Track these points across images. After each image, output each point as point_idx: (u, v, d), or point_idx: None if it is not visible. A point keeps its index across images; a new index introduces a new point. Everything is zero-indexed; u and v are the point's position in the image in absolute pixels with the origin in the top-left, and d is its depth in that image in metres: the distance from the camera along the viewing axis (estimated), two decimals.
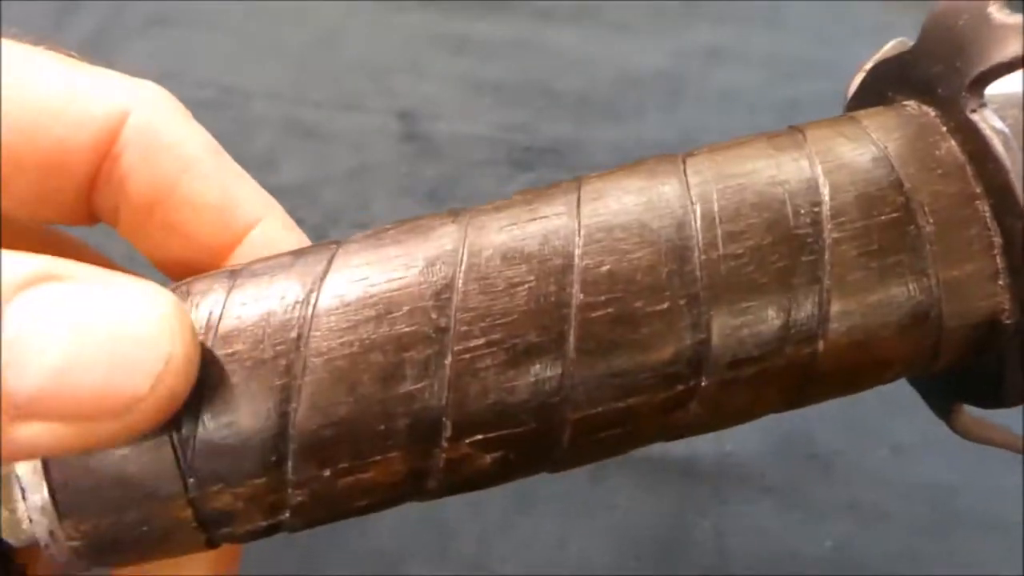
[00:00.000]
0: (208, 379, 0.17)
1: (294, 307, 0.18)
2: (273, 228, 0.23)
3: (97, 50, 0.53)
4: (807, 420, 0.41)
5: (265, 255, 0.20)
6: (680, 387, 0.18)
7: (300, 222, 0.51)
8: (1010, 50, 0.18)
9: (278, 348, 0.18)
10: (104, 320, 0.16)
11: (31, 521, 0.18)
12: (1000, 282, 0.19)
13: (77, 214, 0.22)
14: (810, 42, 0.54)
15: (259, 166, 0.49)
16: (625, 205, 0.19)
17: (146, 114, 0.22)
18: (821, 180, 0.19)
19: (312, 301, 0.18)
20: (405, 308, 0.18)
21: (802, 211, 0.18)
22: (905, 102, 0.21)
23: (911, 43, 0.22)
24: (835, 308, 0.18)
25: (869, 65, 0.23)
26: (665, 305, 0.18)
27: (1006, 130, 0.19)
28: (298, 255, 0.19)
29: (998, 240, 0.19)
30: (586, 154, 0.50)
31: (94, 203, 0.22)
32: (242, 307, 0.18)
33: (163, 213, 0.22)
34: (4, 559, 0.18)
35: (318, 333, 0.18)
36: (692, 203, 0.19)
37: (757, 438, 0.40)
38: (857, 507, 0.38)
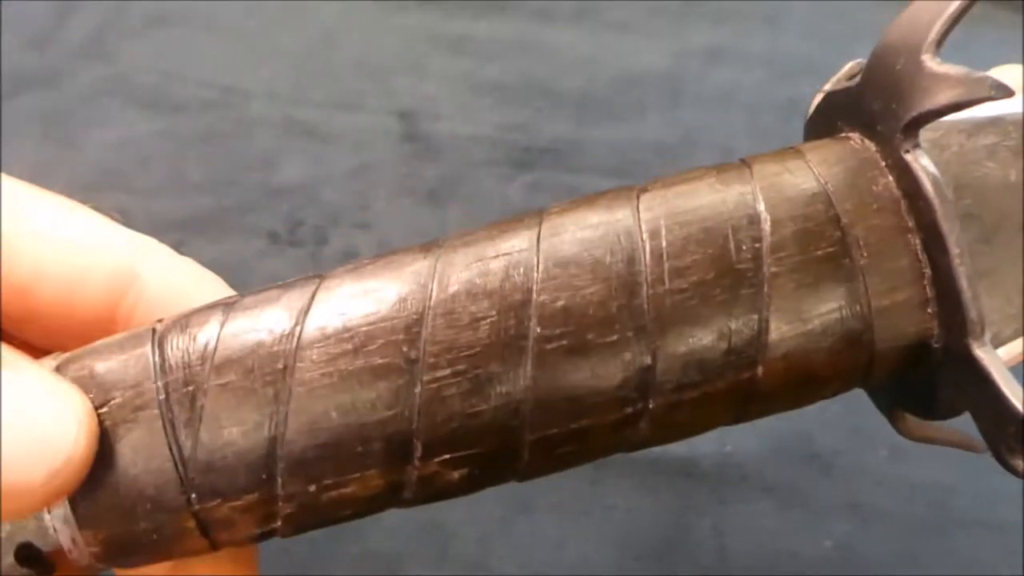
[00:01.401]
0: (205, 406, 0.20)
1: (280, 340, 0.20)
2: None
3: (97, 50, 0.53)
4: (807, 420, 0.41)
5: None
6: (629, 409, 0.20)
7: (300, 222, 0.51)
8: (939, 99, 0.19)
9: (267, 378, 0.20)
10: (15, 407, 0.18)
11: (55, 530, 0.20)
12: (929, 310, 0.20)
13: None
14: (810, 42, 0.54)
15: (259, 166, 0.50)
16: (581, 240, 0.20)
17: (158, 276, 0.23)
18: (763, 216, 0.20)
19: (296, 334, 0.20)
20: (379, 342, 0.20)
21: (744, 247, 0.20)
22: (850, 134, 0.22)
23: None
24: (773, 336, 0.20)
25: (827, 87, 0.24)
26: (615, 337, 0.20)
27: (935, 172, 0.20)
28: (285, 288, 0.21)
29: (928, 271, 0.20)
30: (586, 154, 0.50)
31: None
32: (234, 339, 0.20)
33: None
34: (37, 558, 0.21)
35: (302, 364, 0.20)
36: (643, 239, 0.20)
37: (757, 438, 0.40)
38: (857, 507, 0.39)
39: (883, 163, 0.21)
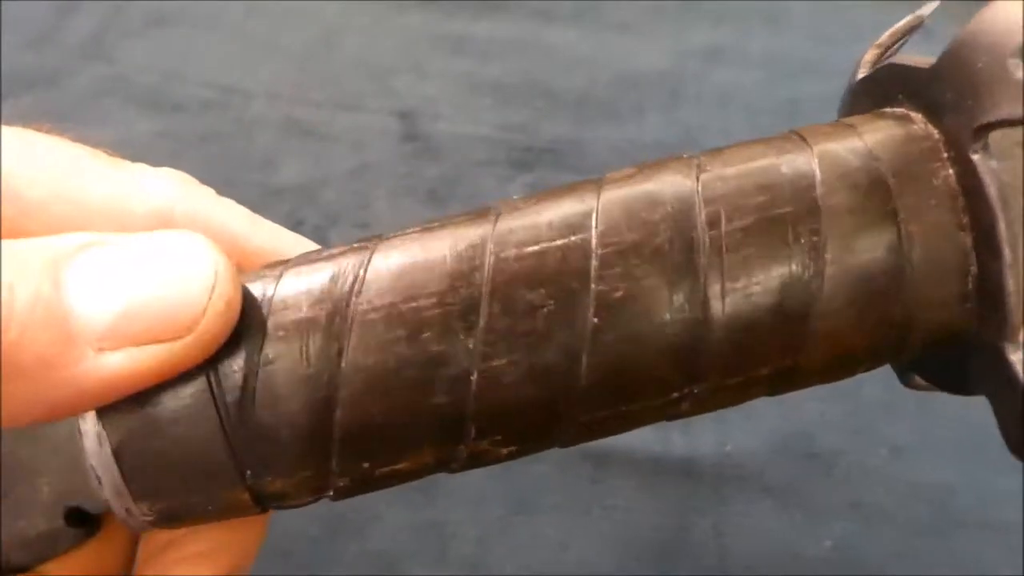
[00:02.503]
0: (258, 387, 0.20)
1: (332, 323, 0.20)
2: None
3: (97, 50, 0.53)
4: (807, 420, 0.41)
5: None
6: (675, 394, 0.20)
7: (300, 222, 0.51)
8: (1021, 110, 0.19)
9: (321, 361, 0.20)
10: (156, 253, 0.19)
11: (107, 501, 0.21)
12: (968, 305, 0.20)
13: None
14: (810, 42, 0.54)
15: (259, 166, 0.50)
16: (635, 223, 0.20)
17: (191, 206, 0.23)
18: (821, 206, 0.20)
19: (349, 316, 0.20)
20: (435, 329, 0.20)
21: (802, 239, 0.20)
22: (911, 113, 0.22)
23: (926, 18, 0.23)
24: (819, 323, 0.20)
25: (893, 45, 0.24)
26: (669, 324, 0.20)
27: (1003, 178, 0.20)
28: (332, 260, 0.21)
29: (974, 269, 0.20)
30: (586, 154, 0.50)
31: None
32: (284, 317, 0.20)
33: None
34: (86, 519, 0.21)
35: (356, 349, 0.20)
36: (703, 224, 0.20)
37: (757, 438, 0.40)
38: (857, 507, 0.38)
39: (945, 155, 0.21)
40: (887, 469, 0.39)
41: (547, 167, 0.49)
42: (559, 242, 0.20)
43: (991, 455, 0.41)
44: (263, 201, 0.47)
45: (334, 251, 0.21)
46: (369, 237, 0.22)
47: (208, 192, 0.24)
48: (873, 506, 0.39)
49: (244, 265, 0.23)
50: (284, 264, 0.21)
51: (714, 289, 0.20)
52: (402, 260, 0.21)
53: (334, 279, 0.20)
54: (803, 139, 0.21)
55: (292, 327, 0.20)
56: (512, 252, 0.20)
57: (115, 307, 0.18)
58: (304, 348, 0.20)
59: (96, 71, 0.52)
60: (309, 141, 0.50)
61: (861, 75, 0.24)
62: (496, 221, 0.21)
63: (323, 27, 0.55)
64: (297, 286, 0.20)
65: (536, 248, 0.20)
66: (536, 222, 0.21)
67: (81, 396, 0.19)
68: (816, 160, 0.21)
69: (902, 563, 0.37)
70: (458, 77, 0.53)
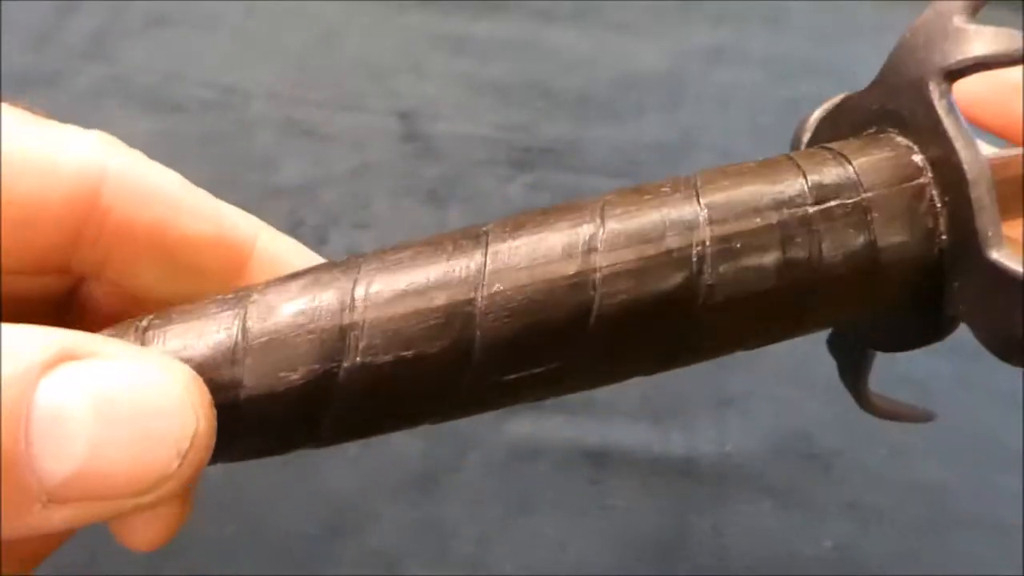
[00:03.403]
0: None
1: (329, 348, 0.19)
2: (272, 238, 0.23)
3: (97, 50, 0.53)
4: (807, 420, 0.41)
5: (272, 269, 0.22)
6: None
7: (300, 222, 0.51)
8: (973, 50, 0.20)
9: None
10: (128, 399, 0.17)
11: None
12: (938, 239, 0.20)
13: (50, 267, 0.23)
14: (810, 42, 0.54)
15: (259, 166, 0.50)
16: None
17: (122, 165, 0.22)
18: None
19: (348, 342, 0.19)
20: (432, 366, 0.19)
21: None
22: (886, 133, 0.22)
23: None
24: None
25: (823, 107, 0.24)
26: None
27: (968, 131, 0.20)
28: (318, 285, 0.20)
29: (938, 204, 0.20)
30: (586, 154, 0.50)
31: (77, 258, 0.22)
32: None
33: (164, 255, 0.22)
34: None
35: (353, 370, 0.19)
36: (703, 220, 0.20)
37: (757, 438, 0.40)
38: (857, 507, 0.39)
39: (921, 157, 0.21)
40: (887, 469, 0.39)
41: (547, 167, 0.49)
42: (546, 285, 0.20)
43: (991, 455, 0.41)
44: (263, 201, 0.47)
45: (312, 277, 0.20)
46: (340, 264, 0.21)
47: (138, 155, 0.23)
48: (872, 506, 0.39)
49: (178, 231, 0.22)
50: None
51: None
52: (389, 291, 0.20)
53: (329, 298, 0.20)
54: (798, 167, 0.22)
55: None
56: (507, 294, 0.20)
57: (72, 464, 0.16)
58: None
59: (96, 71, 0.52)
60: (309, 141, 0.50)
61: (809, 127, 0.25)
62: (487, 256, 0.20)
63: (323, 27, 0.55)
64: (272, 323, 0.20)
65: (529, 289, 0.20)
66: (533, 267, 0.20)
67: (22, 545, 0.18)
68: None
69: (902, 563, 0.37)
70: (458, 77, 0.53)
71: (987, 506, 0.38)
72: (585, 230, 0.20)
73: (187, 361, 0.19)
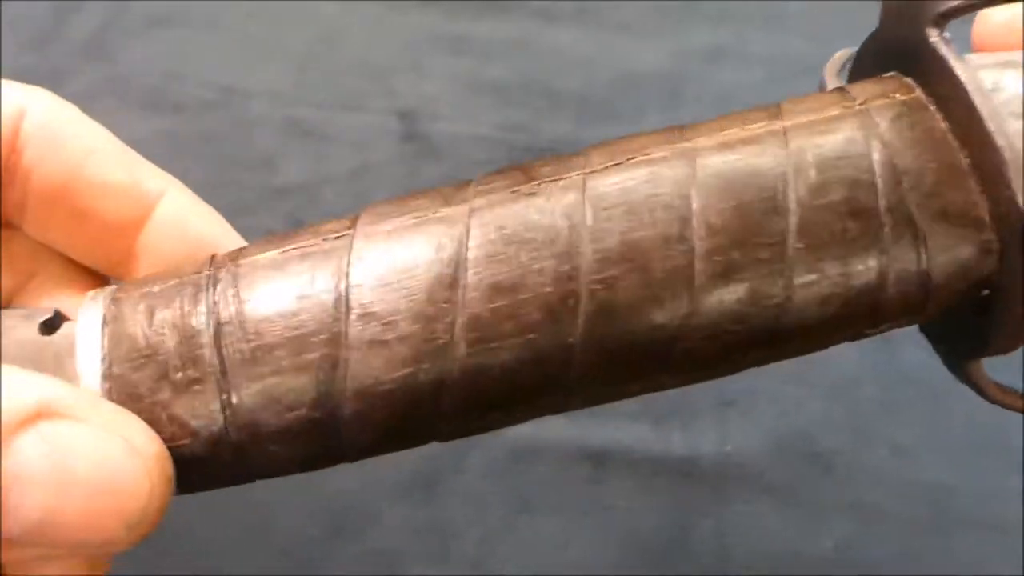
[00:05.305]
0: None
1: (323, 328, 0.21)
2: (179, 198, 0.24)
3: (97, 50, 0.53)
4: (808, 420, 0.41)
5: (173, 226, 0.23)
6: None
7: (300, 222, 0.51)
8: None
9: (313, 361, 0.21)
10: (88, 472, 0.18)
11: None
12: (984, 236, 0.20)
13: None
14: (810, 42, 0.54)
15: (259, 166, 0.50)
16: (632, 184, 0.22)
17: (42, 111, 0.23)
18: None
19: (343, 320, 0.21)
20: (418, 340, 0.21)
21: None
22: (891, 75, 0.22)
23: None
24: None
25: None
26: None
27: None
28: (310, 262, 0.22)
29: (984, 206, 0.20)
30: None
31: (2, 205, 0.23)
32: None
33: (71, 199, 0.23)
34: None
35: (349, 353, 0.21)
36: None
37: (757, 438, 0.40)
38: (857, 507, 0.38)
39: (928, 100, 0.21)
40: (887, 469, 0.39)
41: None
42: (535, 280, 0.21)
43: (991, 455, 0.41)
44: (263, 201, 0.47)
45: (303, 250, 0.22)
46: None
47: (67, 105, 0.23)
48: (873, 506, 0.39)
49: (89, 173, 0.23)
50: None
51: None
52: (380, 262, 0.22)
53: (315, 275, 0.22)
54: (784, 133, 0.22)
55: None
56: (488, 271, 0.21)
57: (26, 524, 0.17)
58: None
59: (96, 71, 0.52)
60: (309, 141, 0.50)
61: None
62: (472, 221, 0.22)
63: (323, 27, 0.55)
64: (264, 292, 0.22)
65: (517, 271, 0.21)
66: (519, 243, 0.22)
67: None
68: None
69: (902, 563, 0.37)
70: (458, 77, 0.53)
71: (988, 506, 0.38)
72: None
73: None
